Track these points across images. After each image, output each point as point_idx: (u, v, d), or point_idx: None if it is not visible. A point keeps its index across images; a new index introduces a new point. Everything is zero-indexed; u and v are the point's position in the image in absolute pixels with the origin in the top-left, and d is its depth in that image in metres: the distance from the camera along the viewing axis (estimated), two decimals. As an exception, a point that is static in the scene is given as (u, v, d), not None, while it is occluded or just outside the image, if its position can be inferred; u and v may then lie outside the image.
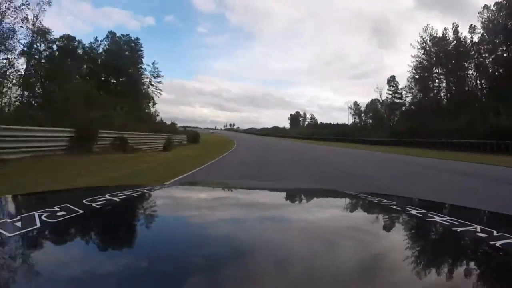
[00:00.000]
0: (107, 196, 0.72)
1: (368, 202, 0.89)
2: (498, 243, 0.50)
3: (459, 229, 0.58)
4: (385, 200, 0.90)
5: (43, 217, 0.53)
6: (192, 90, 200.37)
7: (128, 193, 0.79)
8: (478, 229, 0.59)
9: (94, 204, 0.64)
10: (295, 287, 0.36)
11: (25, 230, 0.47)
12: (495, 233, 0.57)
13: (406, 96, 40.24)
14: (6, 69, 13.77)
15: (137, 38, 28.54)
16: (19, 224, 0.49)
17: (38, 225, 0.50)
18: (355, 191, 1.09)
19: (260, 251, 0.46)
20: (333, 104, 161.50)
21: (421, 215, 0.69)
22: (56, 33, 19.23)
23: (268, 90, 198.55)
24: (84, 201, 0.67)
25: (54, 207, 0.60)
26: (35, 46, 16.77)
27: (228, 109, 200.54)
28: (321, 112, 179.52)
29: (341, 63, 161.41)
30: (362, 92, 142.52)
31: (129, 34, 28.16)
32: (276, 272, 0.39)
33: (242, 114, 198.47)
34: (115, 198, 0.71)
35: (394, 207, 0.80)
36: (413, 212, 0.72)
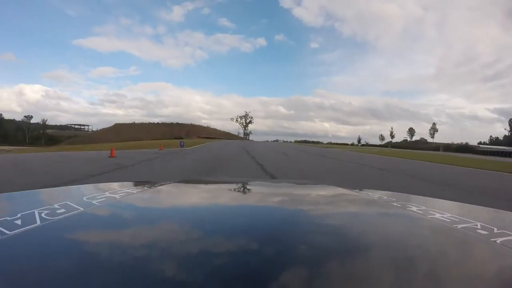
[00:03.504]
0: (107, 194, 0.73)
1: (369, 199, 0.89)
2: (498, 240, 0.51)
3: (459, 226, 0.59)
4: (385, 197, 0.90)
5: (43, 215, 0.53)
6: (311, 105, 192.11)
7: (128, 191, 0.80)
8: (479, 226, 0.59)
9: (94, 202, 0.65)
10: (295, 283, 0.36)
11: (25, 228, 0.47)
12: (495, 230, 0.57)
13: None
14: None
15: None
16: (19, 222, 0.49)
17: (38, 222, 0.49)
18: (356, 188, 1.08)
19: (261, 247, 0.46)
20: (465, 113, 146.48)
21: (421, 212, 0.69)
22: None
23: (392, 101, 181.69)
24: (84, 198, 0.68)
25: (54, 205, 0.61)
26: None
27: (349, 123, 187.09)
28: (451, 123, 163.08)
29: (472, 63, 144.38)
30: (499, 96, 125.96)
31: None
32: (277, 268, 0.39)
33: (365, 128, 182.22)
34: (115, 196, 0.72)
35: (395, 204, 0.80)
36: (414, 209, 0.73)
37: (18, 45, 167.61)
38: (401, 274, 0.40)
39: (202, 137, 70.05)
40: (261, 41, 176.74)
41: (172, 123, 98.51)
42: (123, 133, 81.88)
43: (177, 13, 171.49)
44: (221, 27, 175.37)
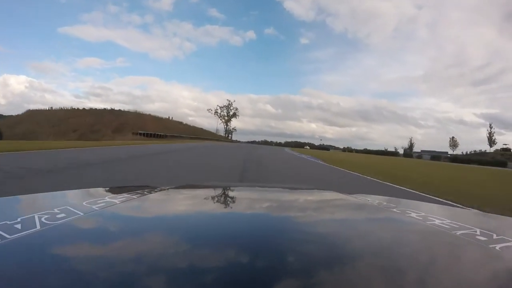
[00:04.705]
0: (107, 199, 0.73)
1: (369, 205, 0.89)
2: (497, 246, 0.51)
3: (458, 232, 0.59)
4: (385, 203, 0.92)
5: (43, 219, 0.53)
6: (300, 104, 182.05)
7: (128, 195, 0.79)
8: (478, 232, 0.60)
9: (94, 206, 0.64)
10: None
11: (25, 232, 0.47)
12: (494, 236, 0.58)
13: None
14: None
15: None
16: (19, 226, 0.49)
17: (38, 227, 0.50)
18: (355, 194, 1.09)
19: (260, 251, 0.46)
20: (452, 117, 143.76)
21: (421, 218, 0.70)
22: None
23: (380, 103, 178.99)
24: (84, 203, 0.67)
25: (54, 209, 0.60)
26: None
27: (337, 124, 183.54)
28: (438, 127, 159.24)
29: (463, 67, 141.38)
30: (487, 101, 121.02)
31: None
32: (277, 272, 0.39)
33: (352, 130, 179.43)
34: (115, 200, 0.71)
35: (394, 210, 0.80)
36: (413, 215, 0.74)
37: (5, 35, 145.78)
38: (401, 281, 0.40)
39: (140, 135, 44.47)
40: (251, 34, 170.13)
41: (105, 110, 61.57)
42: (19, 126, 51.20)
43: (165, 1, 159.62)
44: (210, 18, 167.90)
